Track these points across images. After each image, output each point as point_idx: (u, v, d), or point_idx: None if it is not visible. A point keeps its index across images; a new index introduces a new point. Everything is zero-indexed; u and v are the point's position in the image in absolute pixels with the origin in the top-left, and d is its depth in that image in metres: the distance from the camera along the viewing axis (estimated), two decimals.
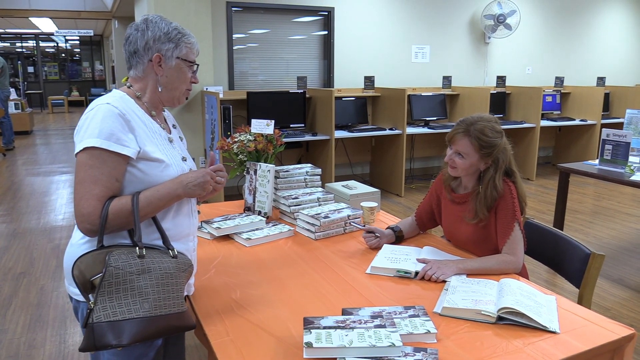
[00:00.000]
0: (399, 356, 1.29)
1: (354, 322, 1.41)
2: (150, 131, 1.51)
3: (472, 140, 1.98)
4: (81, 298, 1.44)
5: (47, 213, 5.47)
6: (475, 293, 1.65)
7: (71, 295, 1.53)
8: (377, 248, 2.13)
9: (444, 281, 1.80)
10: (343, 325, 1.39)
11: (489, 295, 1.64)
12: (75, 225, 1.48)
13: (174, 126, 1.69)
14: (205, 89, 5.53)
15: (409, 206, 5.70)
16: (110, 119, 1.40)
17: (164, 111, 1.67)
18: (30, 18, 13.01)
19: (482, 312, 1.53)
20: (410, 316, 1.50)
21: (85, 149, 1.38)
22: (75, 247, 1.47)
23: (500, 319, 1.52)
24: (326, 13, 6.55)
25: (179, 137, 1.69)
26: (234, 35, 6.11)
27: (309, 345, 1.29)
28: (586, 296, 1.93)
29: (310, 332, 1.35)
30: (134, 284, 1.31)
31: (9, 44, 20.78)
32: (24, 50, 20.90)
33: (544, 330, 1.48)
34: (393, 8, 6.90)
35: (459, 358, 1.34)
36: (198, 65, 1.62)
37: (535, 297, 1.64)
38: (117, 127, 1.40)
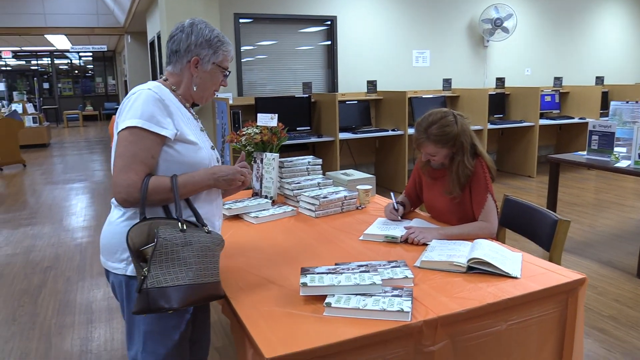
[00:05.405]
0: (380, 293, 1.55)
1: (343, 269, 1.67)
2: (185, 117, 1.68)
3: (434, 142, 2.24)
4: (120, 272, 1.62)
5: (68, 216, 5.80)
6: (451, 250, 1.91)
7: (110, 271, 1.66)
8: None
9: (425, 244, 2.06)
10: (334, 271, 1.65)
11: (462, 251, 1.89)
12: (113, 205, 1.66)
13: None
14: (216, 95, 5.84)
15: None
16: (151, 102, 1.56)
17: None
18: (45, 35, 13.52)
19: (454, 263, 1.79)
20: (392, 267, 1.76)
21: (127, 127, 1.54)
22: (114, 225, 1.62)
23: (470, 269, 1.78)
24: (329, 22, 6.86)
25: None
26: (242, 48, 6.43)
27: (304, 284, 1.56)
28: (555, 258, 2.17)
29: (306, 276, 1.61)
30: (180, 254, 1.45)
31: (24, 62, 21.43)
32: (39, 67, 21.53)
33: (506, 276, 1.73)
34: (393, 15, 7.20)
35: (431, 296, 1.60)
36: (230, 71, 1.82)
37: (503, 253, 1.89)
38: (157, 111, 1.56)
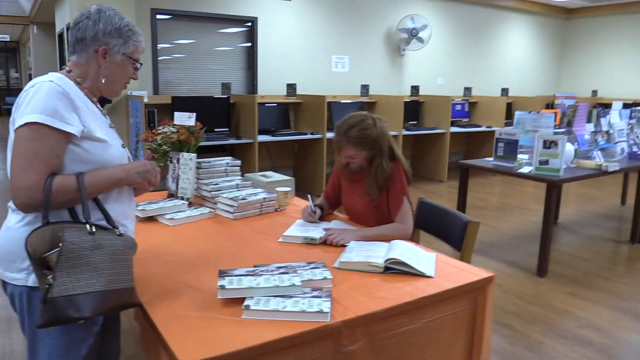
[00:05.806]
0: (299, 294, 1.54)
1: (263, 271, 1.65)
2: (92, 113, 1.55)
3: (353, 145, 2.28)
4: (19, 283, 1.47)
5: None
6: (368, 251, 1.94)
7: (7, 282, 1.51)
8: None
9: (344, 245, 2.08)
10: (253, 273, 1.63)
11: (379, 252, 1.93)
12: (10, 209, 1.50)
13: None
14: (130, 93, 5.61)
15: None
16: (55, 96, 1.42)
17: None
18: None
19: (372, 264, 1.82)
20: (312, 268, 1.76)
21: (27, 123, 1.38)
22: (12, 230, 1.47)
23: (387, 269, 1.82)
24: (250, 24, 6.80)
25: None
26: (159, 45, 6.22)
27: (222, 287, 1.52)
28: (465, 257, 2.28)
29: (224, 279, 1.57)
30: (89, 259, 1.34)
31: None
32: None
33: (422, 275, 1.79)
34: (314, 20, 7.26)
35: (350, 296, 1.62)
36: (142, 63, 1.69)
37: (418, 253, 1.95)
38: (61, 105, 1.42)
